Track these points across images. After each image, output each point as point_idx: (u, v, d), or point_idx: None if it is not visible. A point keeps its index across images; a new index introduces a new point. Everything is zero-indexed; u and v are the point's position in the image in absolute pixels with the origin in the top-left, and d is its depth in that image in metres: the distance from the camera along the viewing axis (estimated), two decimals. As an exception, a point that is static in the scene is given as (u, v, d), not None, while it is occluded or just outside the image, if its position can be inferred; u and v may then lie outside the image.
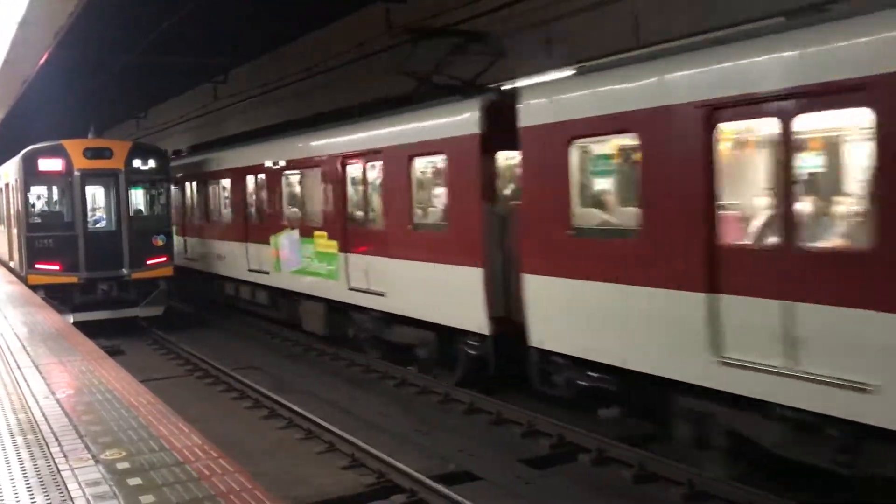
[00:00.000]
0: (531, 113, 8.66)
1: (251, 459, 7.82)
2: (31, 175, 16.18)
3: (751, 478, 7.10)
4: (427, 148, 10.63)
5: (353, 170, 12.41)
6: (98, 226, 16.82)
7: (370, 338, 12.59)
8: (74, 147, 16.25)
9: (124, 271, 16.22)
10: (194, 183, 19.95)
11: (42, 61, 15.66)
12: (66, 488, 4.57)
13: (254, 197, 16.28)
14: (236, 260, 16.86)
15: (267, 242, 15.17)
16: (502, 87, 11.03)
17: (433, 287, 10.43)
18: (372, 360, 12.70)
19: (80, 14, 12.11)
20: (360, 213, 12.34)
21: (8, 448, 5.36)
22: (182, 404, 9.15)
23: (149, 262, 16.52)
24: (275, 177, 15.08)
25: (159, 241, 16.79)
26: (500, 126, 9.22)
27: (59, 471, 4.87)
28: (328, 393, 11.29)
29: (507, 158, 10.05)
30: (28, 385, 7.20)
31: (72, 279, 15.86)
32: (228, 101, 22.63)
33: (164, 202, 17.34)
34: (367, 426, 9.48)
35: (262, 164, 15.57)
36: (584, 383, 8.27)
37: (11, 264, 18.87)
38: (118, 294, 16.28)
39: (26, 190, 16.23)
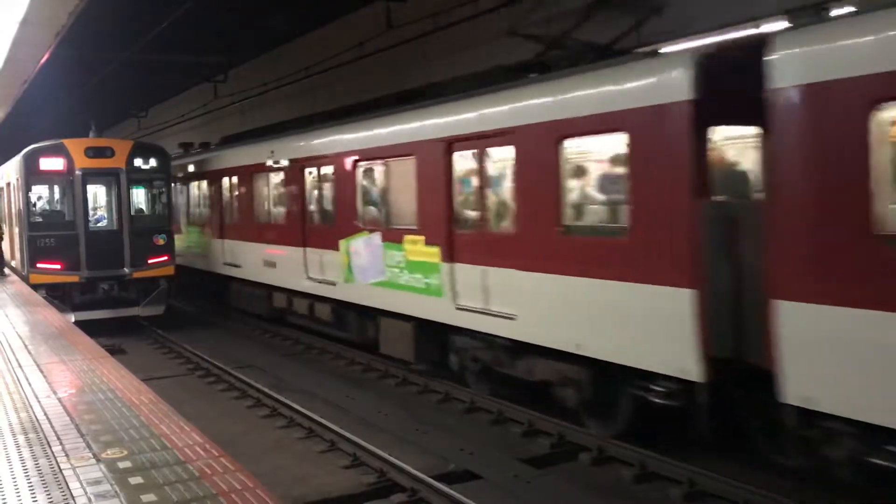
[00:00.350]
0: (793, 67, 6.06)
1: (252, 458, 7.82)
2: (32, 174, 16.20)
3: (752, 477, 7.11)
4: (593, 124, 7.82)
5: (465, 157, 9.73)
6: (99, 225, 16.84)
7: (481, 369, 10.10)
8: (76, 146, 16.27)
9: (125, 270, 16.24)
10: (234, 178, 17.01)
11: (43, 60, 15.70)
12: (68, 487, 4.58)
13: (315, 194, 13.56)
14: (291, 268, 14.06)
15: (333, 248, 12.49)
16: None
17: (597, 311, 7.79)
18: (372, 359, 12.68)
19: (80, 13, 12.15)
20: (473, 213, 9.66)
21: (9, 447, 5.37)
22: (183, 403, 9.19)
23: (150, 262, 16.54)
24: (345, 170, 12.28)
25: (160, 240, 16.81)
26: (715, 91, 6.86)
27: (60, 469, 4.88)
28: (328, 392, 11.30)
29: (730, 136, 7.52)
30: (29, 384, 7.21)
31: (73, 278, 15.88)
32: (229, 99, 22.66)
33: (165, 201, 17.34)
34: (368, 425, 9.49)
35: (327, 155, 12.87)
36: (885, 463, 5.69)
37: (13, 263, 18.90)
38: (119, 293, 16.31)
39: (27, 189, 16.25)
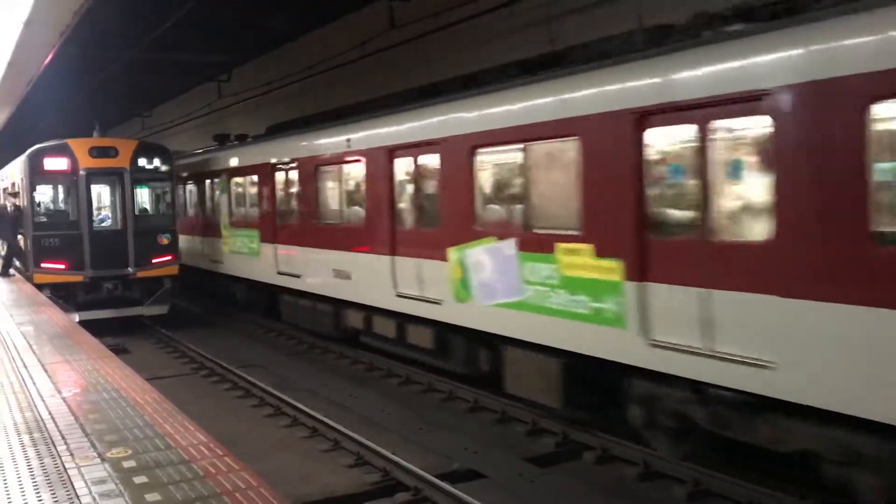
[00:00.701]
0: None
1: (256, 457, 7.83)
2: (36, 174, 16.25)
3: (756, 476, 7.10)
4: None
5: (668, 135, 7.11)
6: (103, 225, 16.88)
7: (682, 427, 7.30)
8: (80, 146, 16.31)
9: (129, 270, 16.28)
10: (291, 173, 14.38)
11: (47, 60, 15.75)
12: (73, 486, 4.60)
13: (410, 190, 10.90)
14: (373, 280, 11.47)
15: (437, 257, 9.96)
16: None
17: None
18: (374, 358, 12.67)
19: (84, 13, 12.19)
20: (684, 213, 7.03)
21: (15, 446, 5.39)
22: (186, 402, 9.21)
23: (154, 261, 16.59)
24: (456, 158, 9.66)
25: (164, 239, 16.84)
26: None
27: (65, 469, 4.90)
28: (331, 391, 11.32)
29: None
30: (34, 384, 7.23)
31: (77, 278, 15.92)
32: (232, 99, 22.71)
33: (169, 201, 17.39)
34: (371, 424, 9.51)
35: (430, 141, 10.19)
36: None
37: (17, 263, 18.97)
38: (123, 293, 16.35)
39: (32, 189, 16.30)
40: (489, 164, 9.46)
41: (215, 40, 20.07)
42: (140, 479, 4.68)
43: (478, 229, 9.33)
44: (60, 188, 16.95)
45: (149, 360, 13.85)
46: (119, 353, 11.77)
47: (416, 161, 10.68)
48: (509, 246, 8.78)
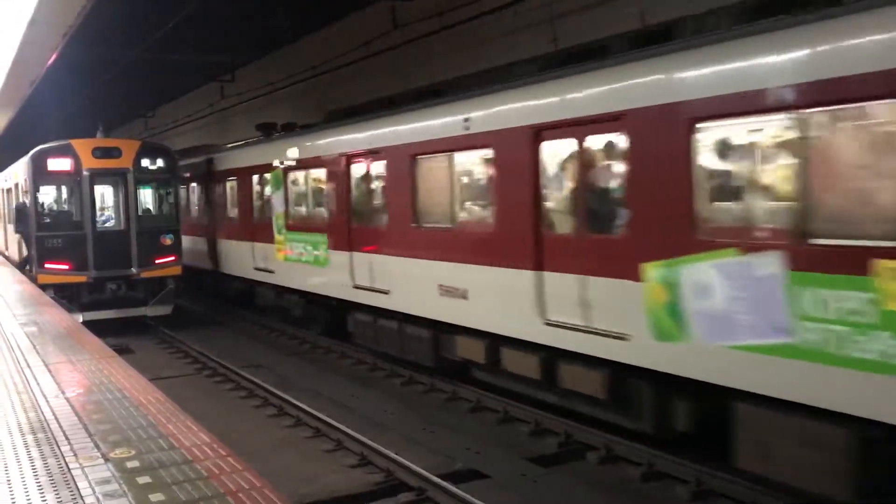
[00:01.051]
0: None
1: (259, 458, 7.85)
2: (40, 175, 16.29)
3: (760, 476, 7.09)
4: None
5: None
6: (107, 225, 16.92)
7: None
8: (83, 146, 16.34)
9: (133, 270, 16.32)
10: (377, 164, 11.61)
11: (51, 61, 15.78)
12: (76, 486, 4.60)
13: (567, 182, 8.29)
14: (505, 302, 9.01)
15: (620, 274, 7.42)
16: None
17: None
18: (377, 358, 12.65)
19: (88, 13, 12.21)
20: None
21: (18, 447, 5.40)
22: (190, 402, 9.22)
23: (157, 262, 16.63)
24: (658, 136, 7.04)
25: (168, 240, 16.88)
26: None
27: (69, 469, 4.90)
28: (334, 391, 11.32)
29: None
30: (38, 384, 7.24)
31: (81, 278, 15.96)
32: (236, 99, 22.73)
33: (172, 201, 17.43)
34: (374, 424, 9.51)
35: (604, 115, 7.62)
36: None
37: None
38: (127, 293, 16.38)
39: (35, 190, 16.34)
40: (721, 145, 6.70)
41: (219, 41, 20.10)
42: (143, 480, 4.68)
43: (701, 237, 6.64)
44: (64, 189, 17.00)
45: (152, 360, 13.88)
46: (122, 353, 11.79)
47: (580, 143, 7.99)
48: (769, 262, 6.10)
